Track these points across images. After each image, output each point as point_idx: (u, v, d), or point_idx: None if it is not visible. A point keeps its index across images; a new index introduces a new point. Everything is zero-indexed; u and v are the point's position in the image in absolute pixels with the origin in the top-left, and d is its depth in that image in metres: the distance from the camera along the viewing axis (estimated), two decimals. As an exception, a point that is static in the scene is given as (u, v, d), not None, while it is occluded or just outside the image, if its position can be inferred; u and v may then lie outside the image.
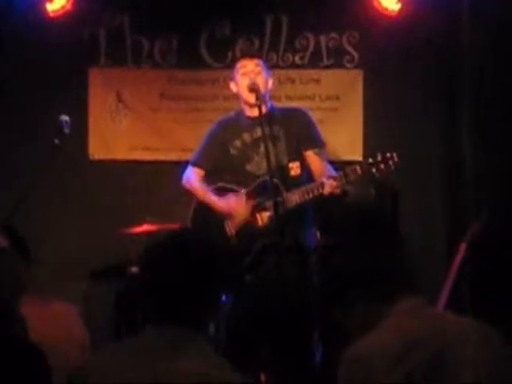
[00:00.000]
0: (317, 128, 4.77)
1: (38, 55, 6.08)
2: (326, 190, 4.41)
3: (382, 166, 4.42)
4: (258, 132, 4.54)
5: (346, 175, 4.41)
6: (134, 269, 5.16)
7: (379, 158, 4.41)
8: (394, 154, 4.44)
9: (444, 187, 6.09)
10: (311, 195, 4.46)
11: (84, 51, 6.19)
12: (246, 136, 4.65)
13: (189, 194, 4.84)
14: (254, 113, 4.53)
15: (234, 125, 4.72)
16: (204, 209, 4.69)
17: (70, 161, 5.99)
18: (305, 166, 4.69)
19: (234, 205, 4.59)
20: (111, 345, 2.35)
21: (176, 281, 2.22)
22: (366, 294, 2.33)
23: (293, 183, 4.56)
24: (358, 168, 4.42)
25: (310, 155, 4.68)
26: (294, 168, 4.64)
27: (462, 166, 5.88)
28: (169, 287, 2.23)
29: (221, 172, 4.76)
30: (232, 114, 4.85)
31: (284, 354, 4.23)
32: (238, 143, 4.67)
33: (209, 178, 4.82)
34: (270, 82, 4.70)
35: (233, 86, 4.69)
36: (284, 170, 4.59)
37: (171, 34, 6.18)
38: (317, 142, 4.72)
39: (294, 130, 4.65)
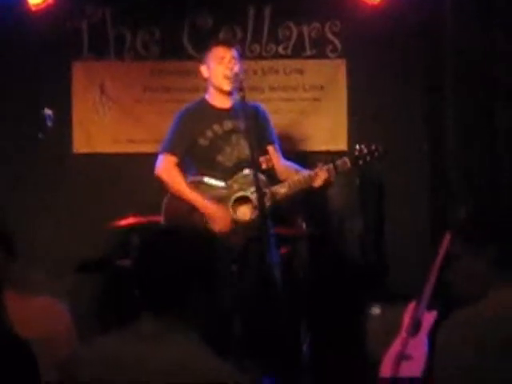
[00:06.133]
0: (272, 125, 4.77)
1: (20, 49, 6.04)
2: (317, 182, 4.41)
3: (369, 158, 4.43)
4: (229, 124, 4.55)
5: (335, 167, 4.41)
6: (120, 261, 5.16)
7: (365, 150, 4.43)
8: (380, 147, 4.45)
9: (428, 176, 6.11)
10: (300, 187, 4.46)
11: (66, 45, 6.15)
12: (217, 127, 4.56)
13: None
14: (224, 104, 4.56)
15: (201, 114, 4.61)
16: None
17: (53, 154, 5.99)
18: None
19: (219, 219, 4.46)
20: (98, 335, 2.35)
21: (165, 272, 2.24)
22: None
23: (268, 176, 4.53)
24: (347, 160, 4.43)
25: (271, 150, 4.70)
26: (265, 161, 4.62)
27: (446, 154, 5.90)
28: (159, 279, 2.24)
29: (188, 162, 4.62)
30: (195, 102, 4.72)
31: (271, 343, 4.24)
32: (209, 134, 4.55)
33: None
34: (242, 73, 4.59)
35: (204, 71, 4.60)
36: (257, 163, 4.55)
37: (153, 25, 6.17)
38: (275, 139, 4.74)
39: (257, 125, 4.55)
